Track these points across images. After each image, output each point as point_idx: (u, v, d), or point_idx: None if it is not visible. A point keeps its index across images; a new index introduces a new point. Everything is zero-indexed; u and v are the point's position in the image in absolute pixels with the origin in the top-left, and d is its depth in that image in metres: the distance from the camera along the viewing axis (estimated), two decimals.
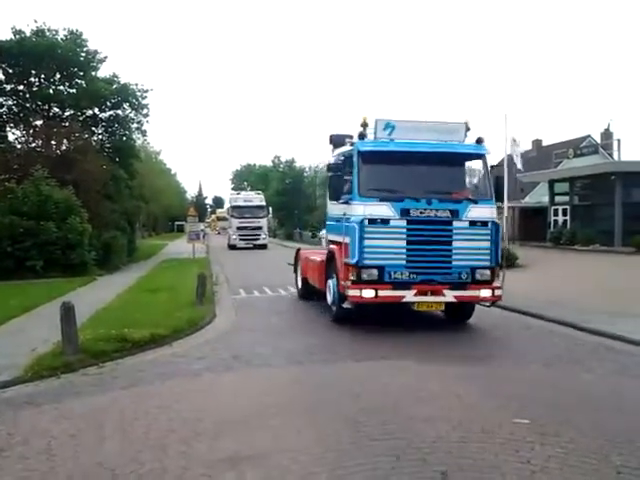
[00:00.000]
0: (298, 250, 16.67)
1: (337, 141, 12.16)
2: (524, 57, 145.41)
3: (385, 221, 10.23)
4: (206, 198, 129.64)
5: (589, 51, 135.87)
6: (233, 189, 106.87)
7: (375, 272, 10.18)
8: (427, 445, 5.19)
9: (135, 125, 31.21)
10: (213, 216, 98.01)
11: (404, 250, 10.29)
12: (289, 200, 64.39)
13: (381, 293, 10.12)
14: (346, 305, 10.79)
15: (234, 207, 42.91)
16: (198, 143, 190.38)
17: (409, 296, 10.25)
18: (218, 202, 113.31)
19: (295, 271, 16.17)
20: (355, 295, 10.27)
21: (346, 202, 10.81)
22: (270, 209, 44.07)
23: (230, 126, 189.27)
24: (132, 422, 5.99)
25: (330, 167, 11.49)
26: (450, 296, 10.40)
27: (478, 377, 7.77)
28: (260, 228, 41.73)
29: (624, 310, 12.30)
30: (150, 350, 9.28)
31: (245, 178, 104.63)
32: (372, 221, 10.19)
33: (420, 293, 10.29)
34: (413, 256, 10.30)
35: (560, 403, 6.52)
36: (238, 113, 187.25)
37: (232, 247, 40.62)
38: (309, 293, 14.63)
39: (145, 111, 30.87)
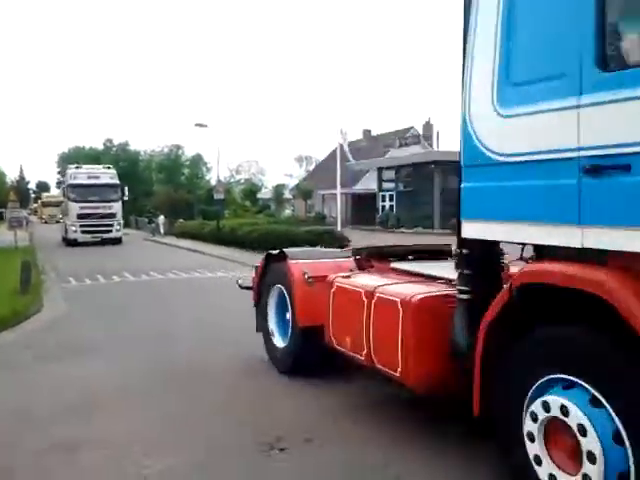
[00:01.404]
0: (276, 258, 6.92)
1: None
2: (354, 50, 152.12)
3: None
4: (29, 183, 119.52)
5: (415, 48, 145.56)
6: (59, 172, 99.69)
7: None
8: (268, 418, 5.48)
9: None
10: (39, 202, 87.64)
11: None
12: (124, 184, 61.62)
13: None
14: None
15: (74, 186, 31.80)
16: (18, 123, 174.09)
17: None
18: (43, 187, 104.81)
19: (260, 306, 7.28)
20: None
21: None
22: (126, 190, 33.62)
23: (54, 106, 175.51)
24: None
25: None
26: None
27: None
28: (113, 215, 31.78)
29: None
30: None
31: (74, 161, 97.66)
32: None
33: None
34: None
35: None
36: (62, 91, 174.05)
37: (71, 242, 30.71)
38: (316, 365, 6.38)
39: None
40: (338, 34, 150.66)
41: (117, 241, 31.59)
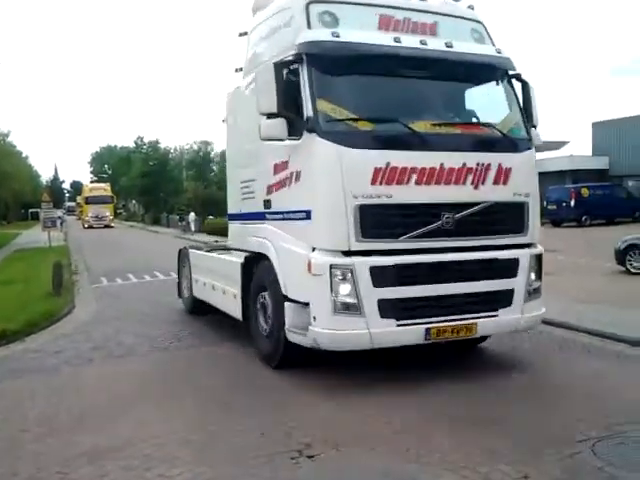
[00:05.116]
0: None
1: None
2: None
3: None
4: (63, 182, 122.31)
5: None
6: (93, 173, 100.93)
7: None
8: (291, 419, 5.33)
9: None
10: (78, 198, 68.57)
11: None
12: (154, 183, 62.16)
13: None
14: None
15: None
16: (52, 123, 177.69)
17: None
18: (77, 187, 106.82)
19: None
20: None
21: None
22: None
23: (87, 105, 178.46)
24: None
25: None
26: None
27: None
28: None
29: None
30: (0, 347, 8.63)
31: (106, 160, 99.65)
32: None
33: None
34: None
35: None
36: (95, 91, 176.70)
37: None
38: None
39: None
40: None
41: None
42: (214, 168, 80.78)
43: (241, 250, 8.02)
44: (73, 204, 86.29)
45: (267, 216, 6.98)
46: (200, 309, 10.11)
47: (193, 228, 38.38)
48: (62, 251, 24.41)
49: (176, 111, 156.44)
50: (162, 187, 62.70)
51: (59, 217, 35.39)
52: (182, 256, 11.38)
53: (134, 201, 75.54)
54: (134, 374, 7.12)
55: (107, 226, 51.66)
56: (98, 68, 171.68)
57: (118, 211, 76.87)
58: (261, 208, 7.10)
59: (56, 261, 13.79)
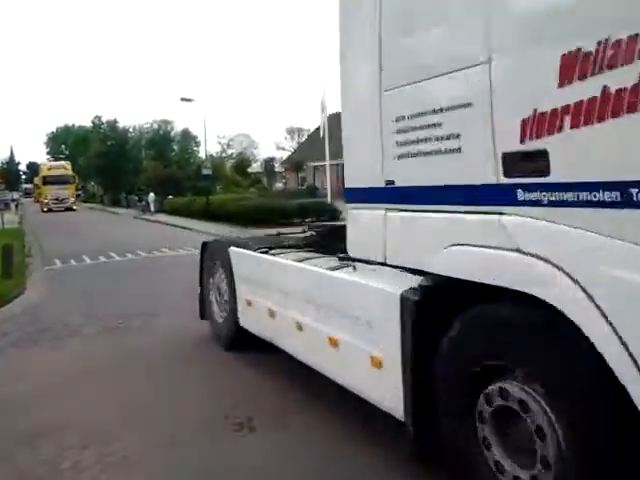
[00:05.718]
0: None
1: None
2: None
3: None
4: (19, 164, 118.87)
5: None
6: (50, 154, 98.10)
7: None
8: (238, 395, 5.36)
9: None
10: (36, 178, 61.39)
11: None
12: (112, 163, 60.78)
13: None
14: None
15: None
16: (6, 103, 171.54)
17: None
18: (33, 168, 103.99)
19: None
20: None
21: None
22: None
23: (42, 83, 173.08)
24: None
25: None
26: None
27: None
28: None
29: None
30: None
31: (63, 140, 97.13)
32: None
33: None
34: None
35: None
36: (50, 68, 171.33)
37: None
38: None
39: None
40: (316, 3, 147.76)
41: None
42: (175, 147, 79.65)
43: (386, 264, 3.83)
44: (31, 186, 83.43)
45: (520, 195, 2.78)
46: (247, 344, 6.31)
47: (152, 208, 37.95)
48: (15, 234, 23.81)
49: (134, 90, 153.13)
50: (121, 167, 61.38)
51: (13, 199, 34.54)
52: (209, 255, 7.29)
53: (92, 182, 74.06)
54: (79, 355, 7.04)
55: (69, 209, 47.47)
56: (53, 45, 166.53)
57: (77, 192, 75.04)
58: (487, 176, 2.96)
59: (6, 243, 13.47)
